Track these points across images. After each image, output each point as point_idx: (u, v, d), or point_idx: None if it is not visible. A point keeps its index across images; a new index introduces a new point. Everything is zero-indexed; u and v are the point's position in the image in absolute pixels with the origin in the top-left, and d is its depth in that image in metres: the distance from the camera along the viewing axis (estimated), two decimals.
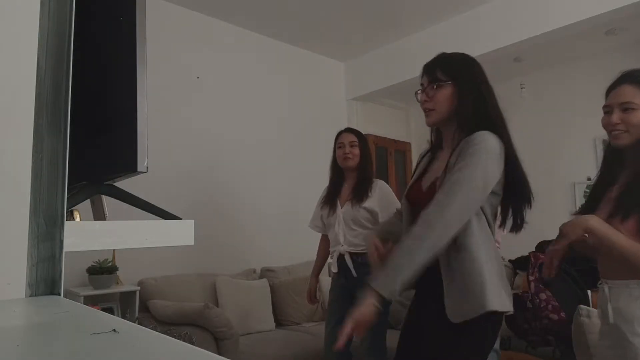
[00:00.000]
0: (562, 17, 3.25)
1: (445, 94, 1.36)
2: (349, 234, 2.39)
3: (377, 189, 2.40)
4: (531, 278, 3.02)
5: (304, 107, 4.37)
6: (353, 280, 2.32)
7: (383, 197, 2.38)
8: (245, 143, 3.86)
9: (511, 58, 4.40)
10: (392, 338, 3.00)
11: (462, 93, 1.34)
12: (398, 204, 2.36)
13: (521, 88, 4.74)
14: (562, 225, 1.28)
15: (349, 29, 4.07)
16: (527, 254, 3.29)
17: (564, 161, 4.68)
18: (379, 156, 5.15)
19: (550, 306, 2.85)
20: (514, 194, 1.34)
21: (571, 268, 2.81)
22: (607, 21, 3.31)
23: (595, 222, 1.21)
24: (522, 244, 3.63)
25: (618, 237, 1.19)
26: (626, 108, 1.28)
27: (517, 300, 3.13)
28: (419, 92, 1.44)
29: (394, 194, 2.45)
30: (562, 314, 2.78)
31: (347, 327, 1.17)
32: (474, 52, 4.12)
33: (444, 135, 1.46)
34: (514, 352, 3.00)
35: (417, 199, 1.40)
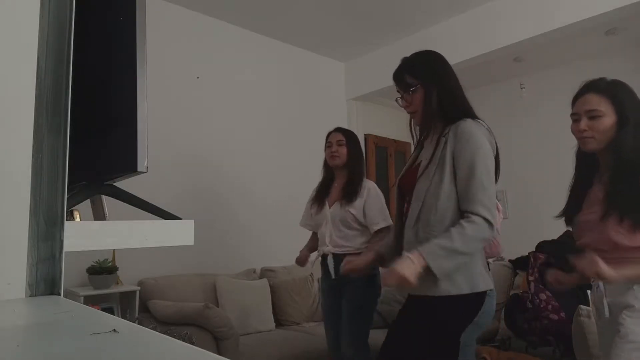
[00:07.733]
0: (562, 17, 3.24)
1: (419, 96, 1.51)
2: (335, 234, 2.37)
3: (366, 191, 2.37)
4: (531, 278, 3.02)
5: (304, 107, 4.37)
6: (342, 280, 2.27)
7: (370, 200, 2.35)
8: (245, 143, 3.86)
9: (511, 58, 4.40)
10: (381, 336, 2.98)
11: (429, 90, 1.49)
12: (385, 208, 2.36)
13: (521, 88, 4.74)
14: (577, 262, 1.34)
15: (349, 29, 4.06)
16: (527, 254, 3.28)
17: (563, 161, 4.67)
18: (379, 156, 5.15)
19: (550, 306, 2.85)
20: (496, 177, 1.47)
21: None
22: (607, 21, 3.31)
23: (605, 270, 1.28)
24: (522, 244, 3.63)
25: (623, 273, 1.30)
26: (592, 116, 1.40)
27: (517, 300, 3.13)
28: (399, 98, 1.59)
29: (382, 196, 2.42)
30: (562, 314, 2.78)
31: (391, 279, 1.30)
32: (474, 52, 4.09)
33: (427, 129, 1.60)
34: (514, 352, 3.00)
35: (410, 185, 1.52)
